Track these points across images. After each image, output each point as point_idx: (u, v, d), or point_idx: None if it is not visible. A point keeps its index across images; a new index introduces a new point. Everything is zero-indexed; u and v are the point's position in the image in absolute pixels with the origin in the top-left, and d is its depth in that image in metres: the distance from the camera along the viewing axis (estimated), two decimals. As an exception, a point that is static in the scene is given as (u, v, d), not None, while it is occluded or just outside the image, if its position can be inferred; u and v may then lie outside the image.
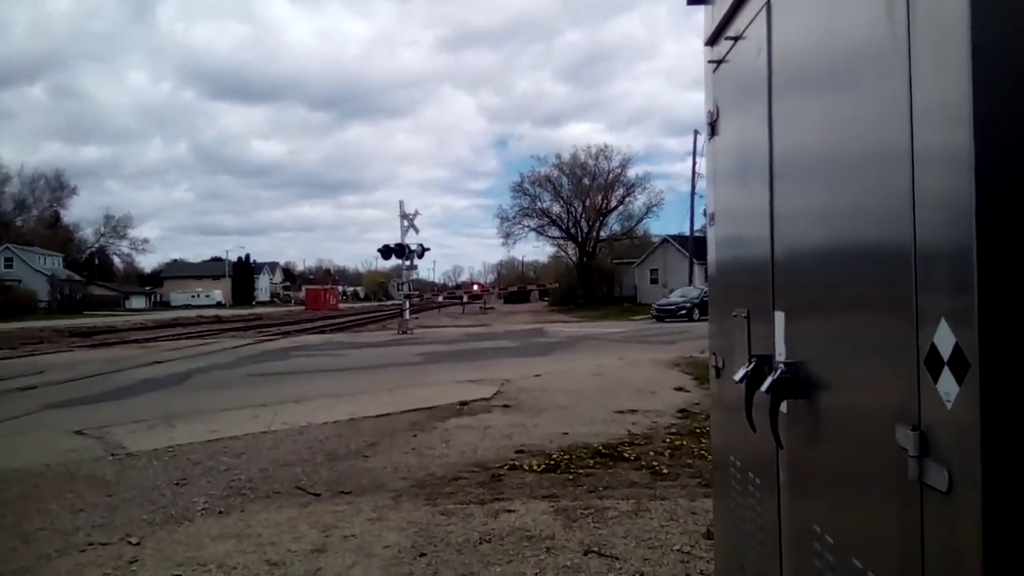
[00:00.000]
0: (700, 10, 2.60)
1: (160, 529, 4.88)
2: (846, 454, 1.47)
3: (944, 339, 1.06)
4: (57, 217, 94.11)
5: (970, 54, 0.99)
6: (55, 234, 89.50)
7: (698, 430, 7.24)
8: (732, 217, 2.43)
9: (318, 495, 5.59)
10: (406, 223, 31.03)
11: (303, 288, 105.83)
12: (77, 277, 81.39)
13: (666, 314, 35.76)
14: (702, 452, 6.27)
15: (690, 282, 44.10)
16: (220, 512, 5.23)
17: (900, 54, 1.17)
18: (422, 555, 4.22)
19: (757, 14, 1.97)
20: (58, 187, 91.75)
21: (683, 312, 34.84)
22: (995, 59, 0.98)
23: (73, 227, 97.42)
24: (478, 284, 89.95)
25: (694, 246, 45.28)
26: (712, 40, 2.48)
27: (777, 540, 1.89)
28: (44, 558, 4.39)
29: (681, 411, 8.72)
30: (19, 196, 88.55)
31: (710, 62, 2.52)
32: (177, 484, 6.02)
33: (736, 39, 2.20)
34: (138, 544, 4.57)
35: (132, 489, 5.88)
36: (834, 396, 1.53)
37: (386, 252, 31.74)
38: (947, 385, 1.05)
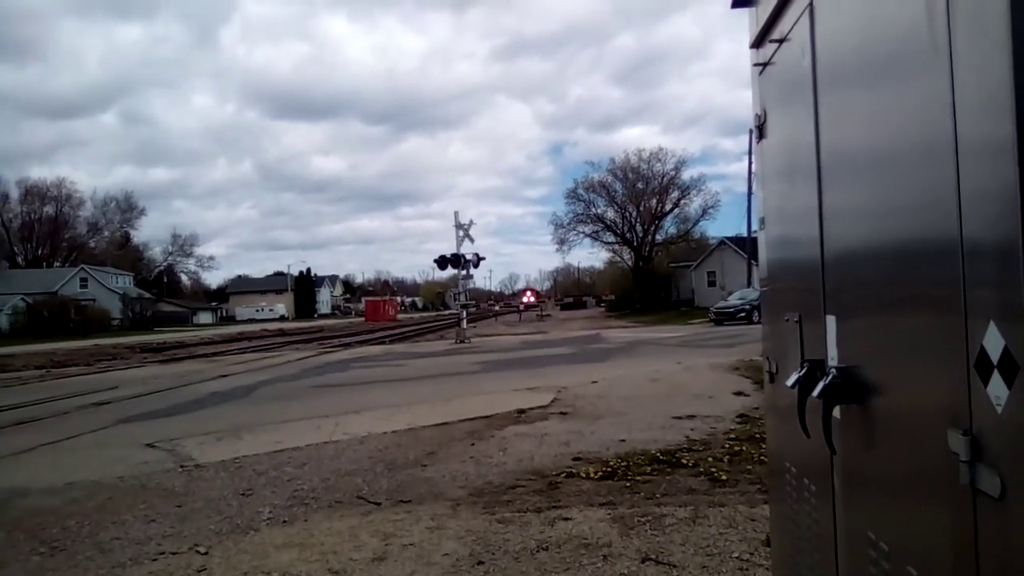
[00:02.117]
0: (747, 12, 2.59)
1: (227, 539, 5.02)
2: (899, 460, 1.44)
3: (993, 341, 1.04)
4: (127, 238, 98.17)
5: (1011, 46, 0.97)
6: (126, 254, 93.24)
7: (758, 435, 7.10)
8: (782, 220, 2.40)
9: (378, 504, 5.68)
10: (461, 233, 31.31)
11: (363, 300, 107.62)
12: (147, 295, 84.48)
13: (725, 317, 35.17)
14: (762, 458, 6.15)
15: (748, 284, 43.25)
16: (284, 521, 5.36)
17: (941, 49, 1.16)
18: (480, 563, 4.25)
19: (800, 16, 1.95)
20: (128, 209, 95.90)
21: (742, 314, 34.15)
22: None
23: (143, 247, 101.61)
24: (531, 291, 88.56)
25: (752, 247, 44.42)
26: (757, 43, 2.46)
27: (833, 547, 1.85)
28: (119, 567, 4.57)
29: (740, 416, 8.58)
30: (92, 219, 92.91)
31: (756, 65, 2.50)
32: (243, 495, 6.19)
33: (781, 41, 2.18)
34: (206, 553, 4.72)
35: (200, 500, 6.07)
36: (886, 401, 1.50)
37: (442, 262, 32.05)
38: (997, 389, 1.03)
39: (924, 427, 1.29)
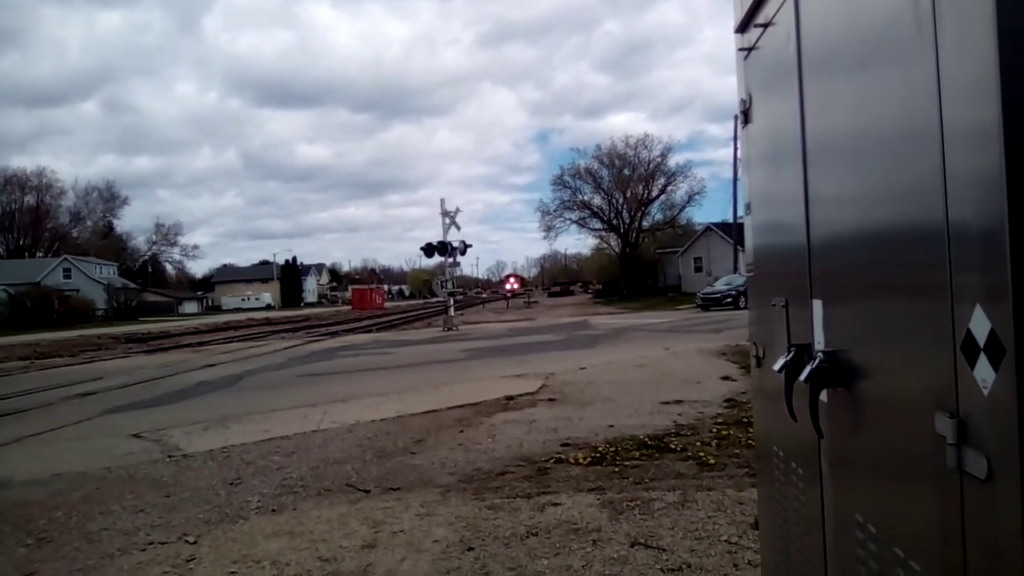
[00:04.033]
0: (730, -3, 2.58)
1: (216, 528, 5.01)
2: (886, 443, 1.45)
3: (979, 324, 1.04)
4: (111, 227, 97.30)
5: (996, 30, 0.97)
6: (109, 244, 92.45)
7: (745, 419, 7.14)
8: (768, 205, 2.40)
9: (368, 492, 5.69)
10: (447, 221, 31.23)
11: (349, 288, 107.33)
12: (132, 285, 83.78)
13: (711, 302, 35.34)
14: (749, 442, 6.20)
15: (735, 269, 43.47)
16: (273, 510, 5.35)
17: (926, 34, 1.16)
18: (470, 549, 4.27)
19: (785, 0, 1.94)
20: (110, 198, 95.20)
21: (728, 300, 34.32)
22: (1021, 33, 0.96)
23: (126, 236, 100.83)
24: (515, 276, 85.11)
25: (738, 233, 44.58)
26: (742, 28, 2.45)
27: (821, 530, 1.87)
28: (107, 557, 4.55)
29: (728, 401, 8.63)
30: (74, 209, 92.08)
31: (741, 49, 2.50)
32: (231, 484, 6.18)
33: (766, 26, 2.17)
34: (195, 543, 4.71)
35: (188, 489, 6.06)
36: (873, 384, 1.51)
37: (429, 250, 31.96)
38: (984, 371, 1.04)
39: (911, 410, 1.30)
